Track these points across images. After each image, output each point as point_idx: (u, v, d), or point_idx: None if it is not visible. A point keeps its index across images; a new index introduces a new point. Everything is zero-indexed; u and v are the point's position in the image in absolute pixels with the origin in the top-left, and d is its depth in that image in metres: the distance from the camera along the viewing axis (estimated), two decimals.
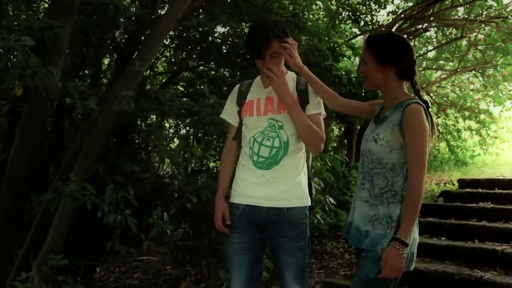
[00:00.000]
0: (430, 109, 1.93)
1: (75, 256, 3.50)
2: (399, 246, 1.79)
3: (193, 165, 3.81)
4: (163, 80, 5.42)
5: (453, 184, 6.62)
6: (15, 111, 4.26)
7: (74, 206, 3.08)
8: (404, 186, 1.86)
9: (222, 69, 5.09)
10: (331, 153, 5.79)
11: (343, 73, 5.17)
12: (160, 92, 3.37)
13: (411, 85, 2.00)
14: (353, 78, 5.31)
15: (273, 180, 2.12)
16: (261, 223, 2.13)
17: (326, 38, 5.27)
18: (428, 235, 4.48)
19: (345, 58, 5.78)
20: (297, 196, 2.16)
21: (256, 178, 2.14)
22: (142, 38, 3.86)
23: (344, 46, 5.73)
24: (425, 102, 1.93)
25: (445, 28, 8.35)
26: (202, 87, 4.56)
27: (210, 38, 4.81)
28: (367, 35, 2.12)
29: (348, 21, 7.46)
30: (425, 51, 8.77)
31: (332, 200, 4.57)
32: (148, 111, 3.89)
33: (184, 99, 3.64)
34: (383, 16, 8.07)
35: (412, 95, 1.98)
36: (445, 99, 9.43)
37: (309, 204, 2.20)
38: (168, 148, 4.10)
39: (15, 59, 2.48)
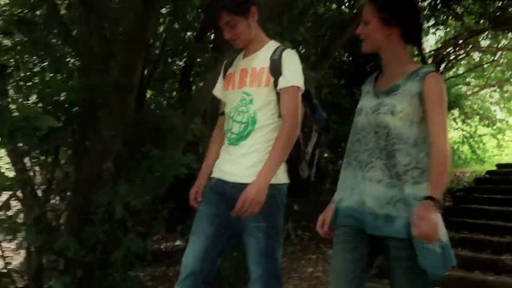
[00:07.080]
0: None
1: None
2: (433, 203, 1.51)
3: None
4: None
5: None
6: None
7: None
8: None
9: None
10: None
11: None
12: None
13: (418, 50, 1.87)
14: None
15: (241, 156, 2.03)
16: (229, 198, 2.02)
17: None
18: (488, 195, 6.56)
19: None
20: None
21: (228, 154, 2.09)
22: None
23: None
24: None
25: (471, 53, 10.63)
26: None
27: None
28: None
29: None
30: (457, 72, 11.06)
31: None
32: None
33: None
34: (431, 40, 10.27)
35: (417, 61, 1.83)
36: (470, 109, 11.71)
37: (279, 182, 2.01)
38: None
39: None
